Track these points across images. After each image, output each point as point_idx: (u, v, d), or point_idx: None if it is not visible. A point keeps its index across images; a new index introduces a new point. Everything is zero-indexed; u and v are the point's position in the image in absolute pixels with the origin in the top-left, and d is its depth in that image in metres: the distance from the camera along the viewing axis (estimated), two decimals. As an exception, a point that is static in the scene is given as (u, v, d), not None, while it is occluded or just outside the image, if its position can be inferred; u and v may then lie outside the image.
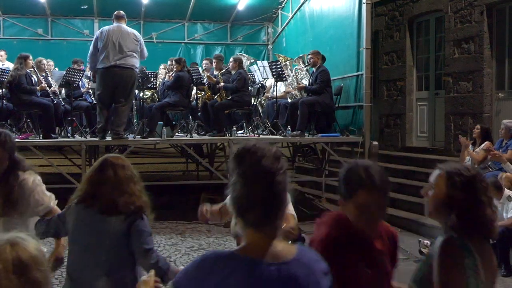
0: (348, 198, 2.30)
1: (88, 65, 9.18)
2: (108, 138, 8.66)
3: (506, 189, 6.75)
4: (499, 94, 9.54)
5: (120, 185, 3.00)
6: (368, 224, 2.32)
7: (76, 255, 3.03)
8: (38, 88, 9.21)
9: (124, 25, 8.63)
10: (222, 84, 9.82)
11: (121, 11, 8.76)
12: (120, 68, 8.33)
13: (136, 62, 8.55)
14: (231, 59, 10.04)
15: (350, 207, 2.29)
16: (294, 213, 3.37)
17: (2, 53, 11.11)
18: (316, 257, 1.89)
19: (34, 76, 9.32)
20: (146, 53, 8.85)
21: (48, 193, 3.48)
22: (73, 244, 3.08)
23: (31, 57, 9.17)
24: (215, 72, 10.30)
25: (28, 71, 9.10)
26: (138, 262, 3.01)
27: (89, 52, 8.65)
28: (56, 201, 3.54)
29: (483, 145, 8.04)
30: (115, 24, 8.62)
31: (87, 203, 3.00)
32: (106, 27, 8.75)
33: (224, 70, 10.20)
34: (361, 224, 2.29)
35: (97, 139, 8.67)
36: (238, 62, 9.81)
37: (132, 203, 3.01)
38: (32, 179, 3.36)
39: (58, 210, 3.40)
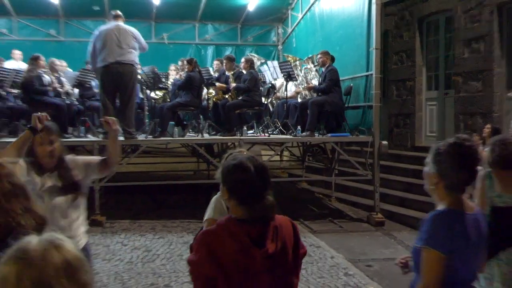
0: None
1: (91, 65, 9.28)
2: (121, 138, 8.74)
3: None
4: (509, 94, 9.55)
5: None
6: None
7: None
8: (50, 88, 9.33)
9: (121, 23, 8.71)
10: (233, 84, 9.92)
11: (118, 11, 8.85)
12: (119, 64, 8.41)
13: (135, 58, 8.62)
14: (243, 60, 10.15)
15: None
16: None
17: (19, 52, 11.32)
18: None
19: (47, 77, 9.44)
20: (146, 45, 8.93)
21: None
22: None
23: (42, 58, 9.31)
24: (227, 73, 10.38)
25: (40, 71, 9.23)
26: None
27: (89, 52, 8.74)
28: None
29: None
30: (113, 22, 8.70)
31: None
32: (104, 26, 8.83)
33: (236, 71, 10.27)
34: None
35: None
36: (250, 63, 9.91)
37: None
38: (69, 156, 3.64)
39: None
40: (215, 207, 3.37)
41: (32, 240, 1.45)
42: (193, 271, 2.23)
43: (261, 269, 2.16)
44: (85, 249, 3.55)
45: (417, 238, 2.50)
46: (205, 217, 3.38)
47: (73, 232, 3.47)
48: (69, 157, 3.62)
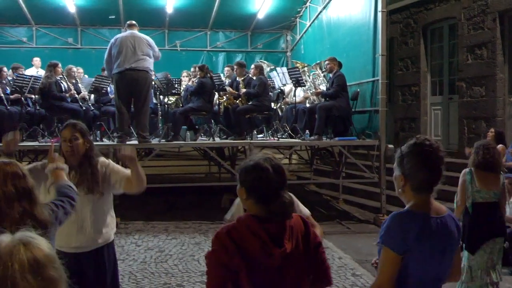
0: None
1: (107, 72, 9.45)
2: (135, 142, 8.87)
3: None
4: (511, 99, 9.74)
5: None
6: None
7: None
8: (67, 94, 9.52)
9: (136, 31, 8.91)
10: (244, 90, 10.06)
11: (133, 21, 9.10)
12: (134, 70, 8.56)
13: (150, 65, 8.79)
14: (252, 66, 10.28)
15: None
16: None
17: (38, 59, 11.63)
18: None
19: (64, 83, 9.61)
20: (159, 53, 9.10)
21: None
22: None
23: (60, 65, 9.50)
24: (238, 79, 10.50)
25: (58, 78, 9.41)
26: None
27: (105, 59, 8.93)
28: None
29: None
30: (128, 31, 8.93)
31: None
32: (119, 34, 9.04)
33: (246, 76, 10.39)
34: None
35: (126, 142, 8.79)
36: (259, 69, 10.05)
37: None
38: (105, 160, 3.66)
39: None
40: (235, 209, 3.37)
41: (4, 239, 1.48)
42: (215, 265, 2.19)
43: (278, 267, 2.18)
44: (110, 246, 3.67)
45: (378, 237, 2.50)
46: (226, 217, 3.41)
47: (99, 228, 3.57)
48: (102, 160, 3.62)
